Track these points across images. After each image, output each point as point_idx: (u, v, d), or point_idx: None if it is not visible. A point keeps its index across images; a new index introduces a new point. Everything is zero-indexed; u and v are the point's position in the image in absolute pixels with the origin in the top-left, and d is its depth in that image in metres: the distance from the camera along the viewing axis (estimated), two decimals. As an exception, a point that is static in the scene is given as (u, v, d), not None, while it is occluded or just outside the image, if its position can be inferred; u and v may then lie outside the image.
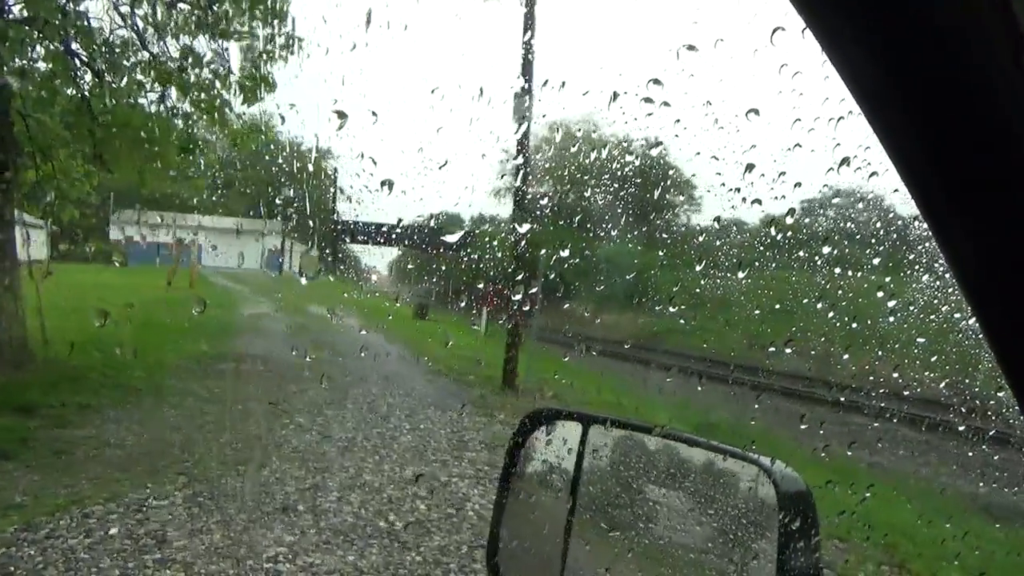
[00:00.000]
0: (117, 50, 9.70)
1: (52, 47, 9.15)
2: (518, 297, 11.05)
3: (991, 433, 7.66)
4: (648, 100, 1.82)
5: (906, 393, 9.57)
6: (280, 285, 27.84)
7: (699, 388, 12.03)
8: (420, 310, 22.70)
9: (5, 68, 8.50)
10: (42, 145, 9.22)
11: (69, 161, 10.03)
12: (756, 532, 1.36)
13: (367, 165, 2.88)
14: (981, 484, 8.14)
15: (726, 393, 11.88)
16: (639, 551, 1.46)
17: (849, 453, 7.50)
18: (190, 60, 9.95)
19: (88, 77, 9.77)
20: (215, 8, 9.83)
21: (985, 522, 6.53)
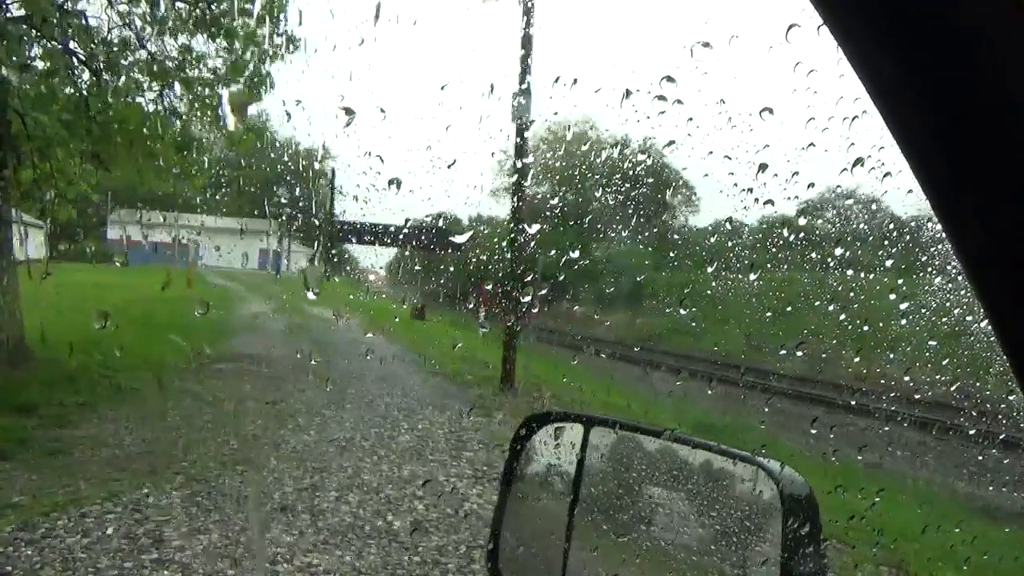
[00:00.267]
0: (115, 49, 9.68)
1: (50, 45, 9.13)
2: (524, 299, 11.04)
3: (1001, 437, 7.64)
4: (661, 98, 1.80)
5: (917, 396, 9.56)
6: (279, 285, 27.86)
7: (709, 391, 12.02)
8: (418, 310, 22.68)
9: (3, 66, 8.49)
10: (40, 144, 9.20)
11: (67, 160, 10.00)
12: (761, 536, 1.34)
13: (374, 163, 2.85)
14: (991, 488, 8.11)
15: (736, 396, 11.86)
16: (643, 555, 1.44)
17: (860, 458, 7.47)
18: (188, 59, 9.93)
19: (86, 76, 9.75)
20: (213, 7, 9.81)
21: (994, 526, 6.51)
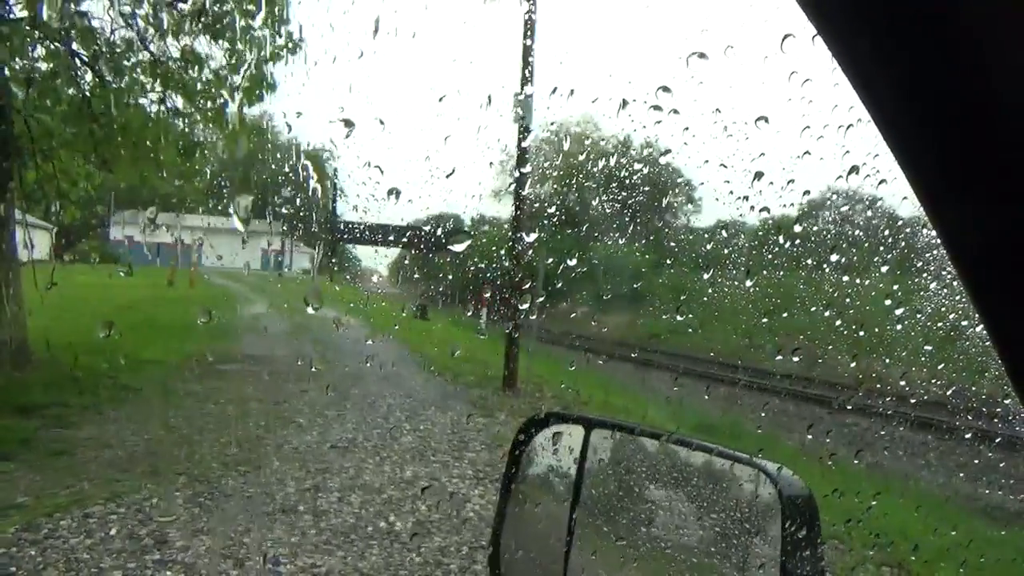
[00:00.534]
0: (118, 50, 9.70)
1: (53, 47, 9.16)
2: (522, 306, 11.05)
3: (997, 440, 7.65)
4: (657, 108, 1.82)
5: (912, 400, 9.56)
6: (281, 286, 27.85)
7: (706, 396, 12.02)
8: (420, 310, 22.74)
9: (6, 67, 8.51)
10: (43, 145, 9.23)
11: (69, 161, 10.03)
12: (760, 537, 1.35)
13: (374, 174, 2.87)
14: (987, 490, 8.12)
15: (733, 397, 11.87)
16: (643, 556, 1.46)
17: (856, 461, 7.49)
18: (190, 61, 9.95)
19: (89, 77, 9.78)
20: (215, 8, 9.82)
21: (991, 527, 6.51)
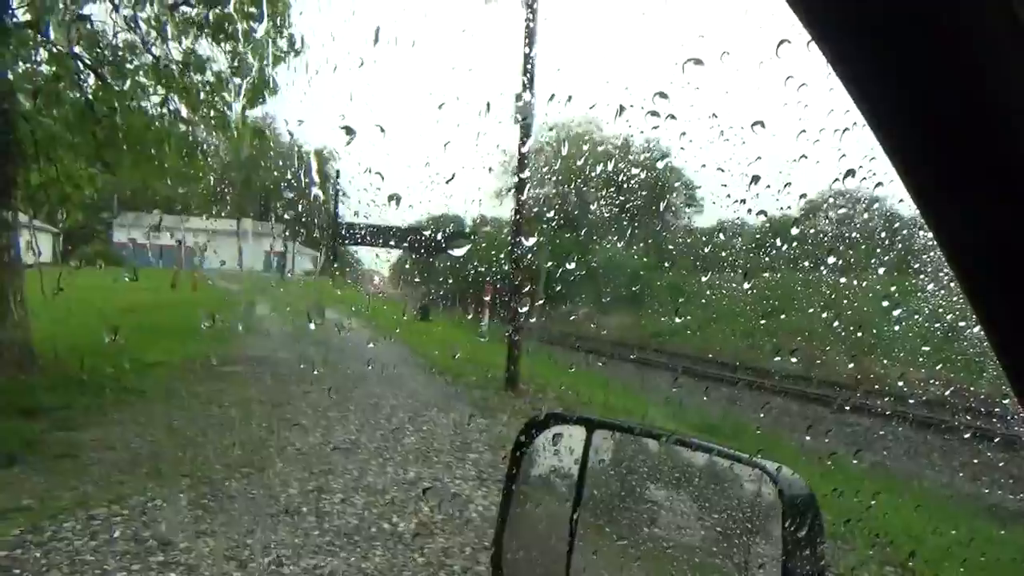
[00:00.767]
0: (120, 53, 9.72)
1: (55, 50, 9.18)
2: (522, 309, 11.06)
3: (996, 440, 7.66)
4: (654, 113, 1.83)
5: (911, 401, 9.56)
6: (283, 288, 27.88)
7: (705, 397, 12.02)
8: (422, 312, 22.77)
9: (9, 71, 8.53)
10: (45, 148, 9.24)
11: (72, 164, 10.05)
12: (761, 537, 1.36)
13: (375, 180, 2.90)
14: (986, 490, 8.13)
15: (732, 401, 11.86)
16: (645, 557, 1.47)
17: (855, 461, 7.50)
18: (192, 63, 9.97)
19: (91, 80, 9.79)
20: (217, 11, 9.84)
21: (991, 527, 6.52)
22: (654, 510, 1.57)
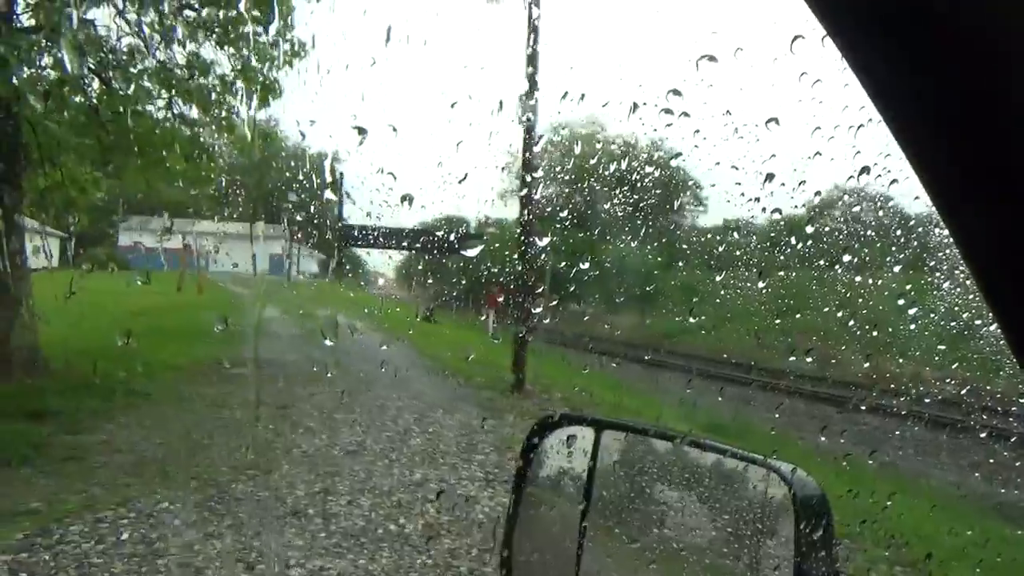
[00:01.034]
0: (125, 57, 9.75)
1: (60, 55, 9.21)
2: (535, 310, 11.05)
3: (1012, 439, 7.58)
4: (668, 111, 1.81)
5: (927, 399, 9.51)
6: (290, 290, 27.94)
7: (719, 398, 11.99)
8: (427, 313, 22.80)
9: (14, 76, 8.56)
10: (50, 152, 9.28)
11: (77, 168, 10.09)
12: (774, 538, 1.34)
13: (387, 180, 2.88)
14: (1003, 489, 8.05)
15: (746, 401, 11.82)
16: (656, 558, 1.44)
17: (871, 462, 7.45)
18: (196, 66, 10.00)
19: (96, 84, 9.82)
20: (221, 15, 9.87)
21: (1007, 527, 6.45)
22: (665, 511, 1.55)
